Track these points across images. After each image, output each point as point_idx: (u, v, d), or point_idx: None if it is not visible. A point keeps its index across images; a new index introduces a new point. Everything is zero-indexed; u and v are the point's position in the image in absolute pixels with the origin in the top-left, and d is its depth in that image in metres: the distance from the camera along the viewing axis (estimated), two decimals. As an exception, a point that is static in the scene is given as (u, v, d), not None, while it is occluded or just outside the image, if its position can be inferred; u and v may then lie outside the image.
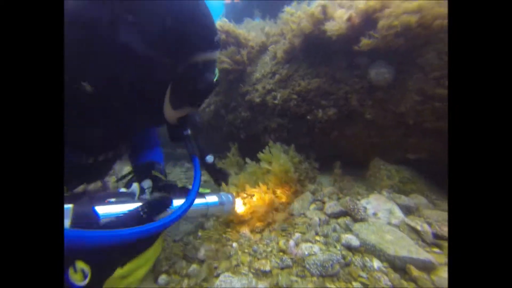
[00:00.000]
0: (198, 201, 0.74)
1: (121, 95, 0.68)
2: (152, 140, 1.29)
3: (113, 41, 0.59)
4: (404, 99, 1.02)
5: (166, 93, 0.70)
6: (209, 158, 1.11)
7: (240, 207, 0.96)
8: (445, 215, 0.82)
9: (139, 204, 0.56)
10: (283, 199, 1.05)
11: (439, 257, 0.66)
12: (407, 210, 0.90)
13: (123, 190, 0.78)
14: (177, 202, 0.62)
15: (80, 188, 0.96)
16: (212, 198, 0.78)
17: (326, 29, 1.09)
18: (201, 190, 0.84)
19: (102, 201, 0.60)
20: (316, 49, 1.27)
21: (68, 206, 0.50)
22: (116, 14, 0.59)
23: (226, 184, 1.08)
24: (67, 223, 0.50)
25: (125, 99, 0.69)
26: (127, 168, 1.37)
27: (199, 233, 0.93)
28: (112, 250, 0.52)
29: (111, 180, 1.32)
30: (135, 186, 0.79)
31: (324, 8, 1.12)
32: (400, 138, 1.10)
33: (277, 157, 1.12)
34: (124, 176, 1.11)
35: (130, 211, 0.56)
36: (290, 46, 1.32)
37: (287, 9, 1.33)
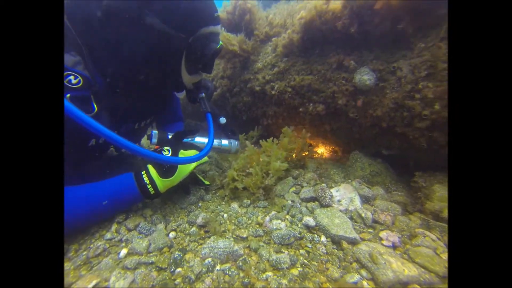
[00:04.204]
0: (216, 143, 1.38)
1: (153, 68, 0.93)
2: (176, 116, 1.60)
3: (141, 24, 0.81)
4: (381, 105, 1.14)
5: (182, 62, 0.94)
6: (222, 120, 1.39)
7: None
8: (390, 205, 1.03)
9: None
10: (270, 182, 1.27)
11: (367, 235, 0.90)
12: (366, 200, 1.10)
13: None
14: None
15: None
16: (225, 142, 1.41)
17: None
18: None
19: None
20: (313, 45, 1.36)
21: (155, 132, 1.20)
22: (141, 5, 0.80)
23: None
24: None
25: (155, 70, 0.94)
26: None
27: (200, 204, 1.20)
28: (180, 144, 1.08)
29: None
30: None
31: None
32: (375, 136, 1.25)
33: (284, 141, 1.32)
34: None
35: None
36: (289, 42, 1.41)
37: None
